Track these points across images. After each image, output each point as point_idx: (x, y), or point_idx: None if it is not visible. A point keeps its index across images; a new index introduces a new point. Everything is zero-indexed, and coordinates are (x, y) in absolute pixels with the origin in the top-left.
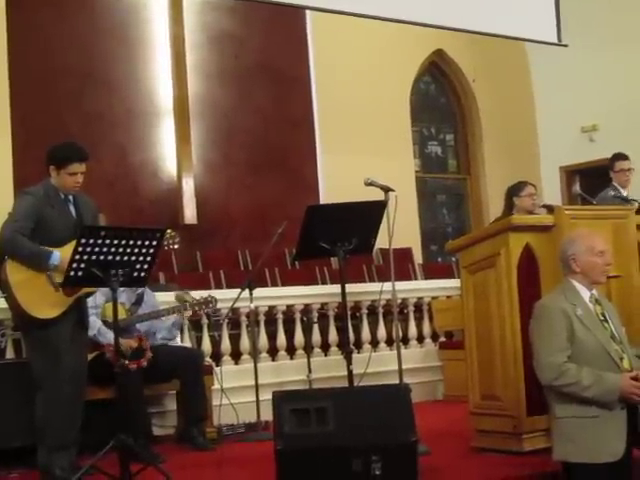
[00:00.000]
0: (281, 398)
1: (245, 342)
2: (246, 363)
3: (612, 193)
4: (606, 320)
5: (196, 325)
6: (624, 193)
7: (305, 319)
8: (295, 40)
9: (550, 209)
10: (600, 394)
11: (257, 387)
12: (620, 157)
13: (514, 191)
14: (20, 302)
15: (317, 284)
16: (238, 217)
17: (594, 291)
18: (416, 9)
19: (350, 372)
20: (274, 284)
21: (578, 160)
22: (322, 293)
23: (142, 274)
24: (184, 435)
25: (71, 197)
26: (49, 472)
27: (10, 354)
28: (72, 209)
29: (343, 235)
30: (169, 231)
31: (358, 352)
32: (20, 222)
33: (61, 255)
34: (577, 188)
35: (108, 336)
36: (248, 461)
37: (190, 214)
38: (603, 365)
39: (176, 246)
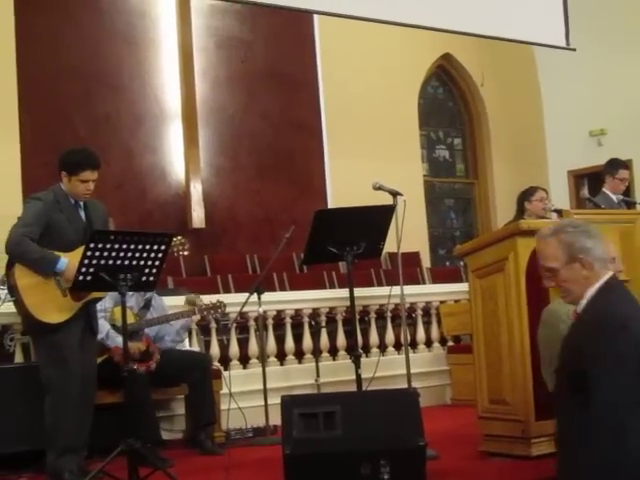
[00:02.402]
0: (289, 402)
1: (253, 346)
2: (254, 367)
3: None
4: None
5: (204, 329)
6: (615, 200)
7: (313, 323)
8: (303, 44)
9: (561, 213)
10: None
11: (265, 391)
12: (624, 165)
13: (525, 196)
14: (28, 306)
15: (325, 288)
16: (246, 221)
17: None
18: (424, 13)
19: (358, 376)
20: (282, 288)
21: (586, 164)
22: (330, 297)
23: (151, 278)
24: (192, 439)
25: (81, 202)
26: (58, 476)
27: (19, 358)
28: (82, 214)
29: (351, 239)
30: (179, 238)
31: (366, 356)
32: (29, 227)
33: (69, 261)
34: (585, 192)
35: (117, 340)
36: (256, 465)
37: (198, 218)
38: None
39: (185, 253)
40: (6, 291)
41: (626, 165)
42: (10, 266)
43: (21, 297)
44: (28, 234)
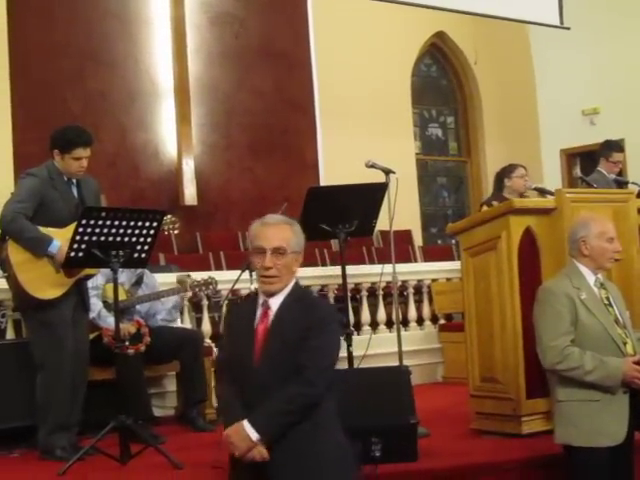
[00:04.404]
0: None
1: None
2: None
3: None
4: (610, 304)
5: (196, 306)
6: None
7: None
8: (296, 21)
9: (542, 192)
10: (602, 378)
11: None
12: (619, 148)
13: (505, 172)
14: (21, 282)
15: (317, 266)
16: (238, 198)
17: (599, 275)
18: None
19: (350, 354)
20: None
21: (579, 143)
22: (322, 275)
23: (142, 255)
24: (184, 416)
25: (74, 179)
26: (49, 452)
27: (10, 334)
28: (75, 191)
29: (344, 217)
30: (170, 217)
31: (358, 334)
32: (23, 203)
33: (60, 245)
34: (578, 171)
35: (108, 320)
36: None
37: (190, 195)
38: (606, 349)
39: (176, 231)
40: None
41: (621, 148)
42: (2, 241)
43: (14, 272)
44: (22, 210)
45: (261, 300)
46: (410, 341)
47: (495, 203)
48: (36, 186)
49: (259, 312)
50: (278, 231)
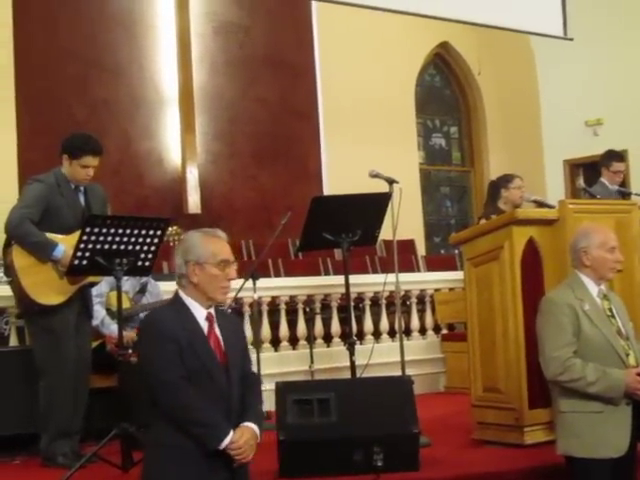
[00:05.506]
0: (284, 388)
1: (247, 332)
2: None
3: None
4: (613, 315)
5: None
6: (612, 190)
7: (308, 310)
8: (300, 31)
9: (540, 204)
10: (605, 390)
11: (259, 377)
12: (619, 158)
13: (502, 183)
14: (24, 287)
15: (320, 275)
16: (242, 207)
17: (602, 286)
18: (422, 1)
19: (353, 363)
20: (277, 274)
21: (582, 154)
22: (325, 284)
23: (146, 263)
24: None
25: (82, 187)
26: (51, 459)
27: (14, 341)
28: (82, 198)
29: (347, 226)
30: (175, 228)
31: (361, 343)
32: (28, 208)
33: (65, 249)
34: (581, 182)
35: (111, 328)
36: None
37: (194, 203)
38: (609, 361)
39: None
40: (1, 273)
41: (621, 157)
42: (7, 245)
43: (18, 277)
44: (28, 215)
45: (204, 313)
46: (412, 351)
47: (494, 217)
48: (42, 192)
49: (205, 324)
50: (227, 245)
